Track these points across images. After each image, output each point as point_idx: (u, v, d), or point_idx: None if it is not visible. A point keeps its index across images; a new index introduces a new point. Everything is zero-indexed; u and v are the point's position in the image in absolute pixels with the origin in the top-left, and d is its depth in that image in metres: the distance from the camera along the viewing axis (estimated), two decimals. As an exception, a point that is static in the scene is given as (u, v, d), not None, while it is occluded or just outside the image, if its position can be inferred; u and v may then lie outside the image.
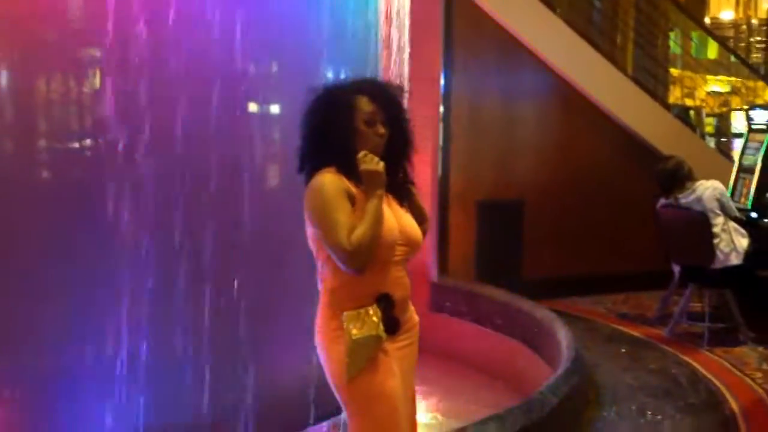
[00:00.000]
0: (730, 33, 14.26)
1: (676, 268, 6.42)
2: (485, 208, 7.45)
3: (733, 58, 10.93)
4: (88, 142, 3.67)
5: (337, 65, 4.36)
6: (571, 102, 7.75)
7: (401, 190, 2.73)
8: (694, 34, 11.16)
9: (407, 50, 5.28)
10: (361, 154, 2.56)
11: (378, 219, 2.53)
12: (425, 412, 4.94)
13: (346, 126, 2.59)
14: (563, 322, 5.29)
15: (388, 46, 5.05)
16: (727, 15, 14.70)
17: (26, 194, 3.61)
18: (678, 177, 6.25)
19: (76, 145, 3.70)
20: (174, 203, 3.63)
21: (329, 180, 2.56)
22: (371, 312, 2.55)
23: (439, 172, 6.70)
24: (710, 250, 6.02)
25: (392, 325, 2.60)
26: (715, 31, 11.89)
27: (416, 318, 2.80)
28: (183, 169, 3.66)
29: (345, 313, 2.55)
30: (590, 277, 7.73)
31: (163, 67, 3.62)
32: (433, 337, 5.85)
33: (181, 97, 3.62)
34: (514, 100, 7.67)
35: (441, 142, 6.79)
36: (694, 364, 5.66)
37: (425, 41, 5.94)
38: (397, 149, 2.67)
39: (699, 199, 6.13)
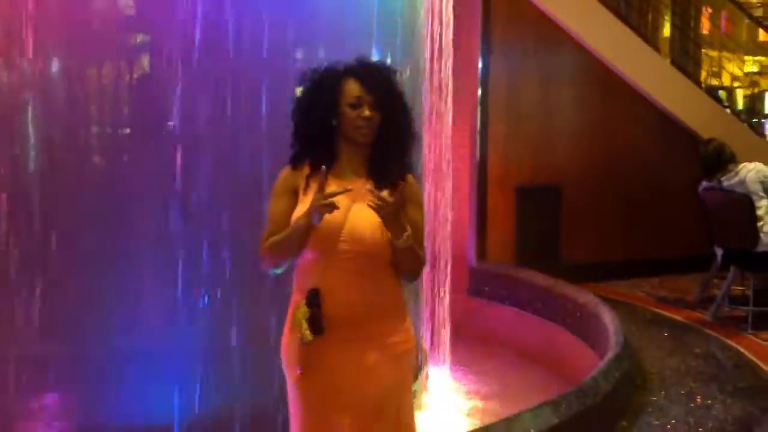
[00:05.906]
0: (759, 12, 14.07)
1: (719, 251, 6.37)
2: (524, 193, 7.40)
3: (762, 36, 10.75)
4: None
5: (384, 47, 4.31)
6: (609, 85, 7.67)
7: (385, 181, 2.49)
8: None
9: (451, 32, 5.24)
10: (327, 190, 2.38)
11: (291, 239, 2.44)
12: (465, 397, 4.96)
13: (329, 108, 2.48)
14: (609, 307, 5.26)
15: (431, 29, 5.01)
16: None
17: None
18: (720, 160, 6.23)
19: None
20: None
21: (279, 177, 2.57)
22: (299, 310, 2.45)
23: (477, 156, 6.66)
24: (754, 233, 5.97)
25: (316, 326, 2.42)
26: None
27: (405, 344, 2.54)
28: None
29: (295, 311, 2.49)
30: (627, 260, 7.70)
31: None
32: (472, 322, 5.92)
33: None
34: (552, 83, 7.60)
35: (479, 126, 6.74)
36: (739, 348, 5.60)
37: (464, 24, 5.87)
38: (388, 135, 2.51)
39: (742, 182, 6.09)
